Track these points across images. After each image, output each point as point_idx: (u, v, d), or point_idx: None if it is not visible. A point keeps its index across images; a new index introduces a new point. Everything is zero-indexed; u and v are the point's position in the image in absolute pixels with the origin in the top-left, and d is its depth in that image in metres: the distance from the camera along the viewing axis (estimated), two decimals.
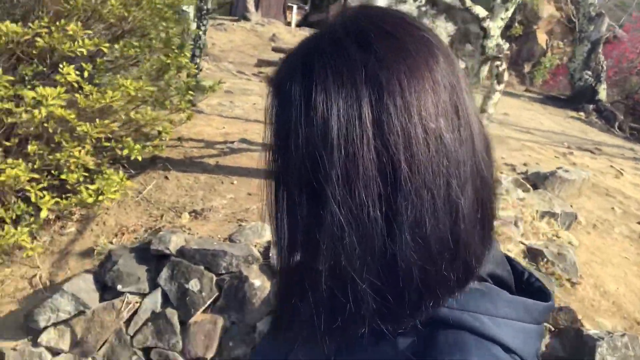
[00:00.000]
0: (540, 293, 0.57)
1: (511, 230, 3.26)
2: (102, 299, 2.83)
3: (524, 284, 0.59)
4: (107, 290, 2.85)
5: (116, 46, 3.46)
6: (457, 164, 0.48)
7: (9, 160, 2.84)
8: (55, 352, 2.78)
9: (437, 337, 0.49)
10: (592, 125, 9.87)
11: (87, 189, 2.87)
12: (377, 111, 0.46)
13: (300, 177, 0.49)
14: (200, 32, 6.29)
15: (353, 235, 0.47)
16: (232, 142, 4.64)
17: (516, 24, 16.15)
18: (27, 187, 2.83)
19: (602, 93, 10.80)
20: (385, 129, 0.46)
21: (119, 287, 2.78)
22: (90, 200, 2.83)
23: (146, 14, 3.63)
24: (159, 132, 3.74)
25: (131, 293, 2.81)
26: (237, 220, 3.31)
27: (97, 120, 3.09)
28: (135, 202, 3.84)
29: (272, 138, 0.53)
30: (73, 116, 2.94)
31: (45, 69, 3.14)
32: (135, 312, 2.78)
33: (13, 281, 3.33)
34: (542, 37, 19.20)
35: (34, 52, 3.01)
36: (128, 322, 2.78)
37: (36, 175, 2.81)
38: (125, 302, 2.78)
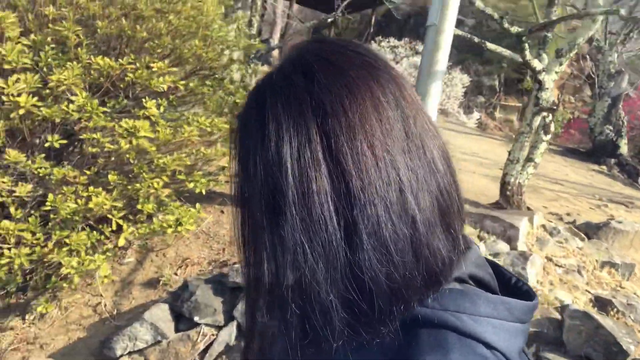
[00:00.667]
0: (527, 295, 0.59)
1: (576, 279, 3.27)
2: (176, 330, 2.83)
3: (512, 287, 0.61)
4: (181, 320, 2.86)
5: (191, 84, 3.60)
6: (407, 173, 0.51)
7: (91, 189, 2.92)
8: None
9: (419, 336, 0.50)
10: (615, 179, 9.95)
11: (159, 219, 2.93)
12: (324, 133, 0.50)
13: (262, 201, 0.52)
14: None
15: (315, 251, 0.49)
16: None
17: (528, 78, 16.50)
18: (109, 215, 2.89)
19: (624, 147, 10.94)
20: (334, 148, 0.50)
21: (196, 318, 2.79)
22: (169, 230, 2.87)
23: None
24: (223, 168, 3.83)
25: (207, 325, 2.82)
26: None
27: (175, 153, 3.19)
28: (194, 235, 3.88)
29: (236, 168, 0.58)
30: (154, 149, 3.04)
31: (128, 101, 3.26)
32: (211, 344, 2.77)
33: (77, 308, 3.34)
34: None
35: (122, 85, 3.14)
36: (202, 353, 2.77)
37: (119, 204, 2.88)
38: (201, 333, 2.78)
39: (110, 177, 3.07)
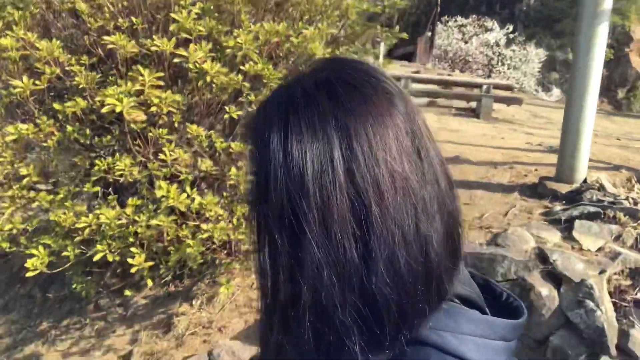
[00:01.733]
0: (516, 311, 0.60)
1: None
2: None
3: (503, 303, 0.62)
4: None
5: (337, 51, 3.40)
6: (423, 202, 0.52)
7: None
8: None
9: (405, 353, 0.52)
10: None
11: None
12: (347, 158, 0.49)
13: (281, 220, 0.51)
14: None
15: (332, 274, 0.50)
16: None
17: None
18: None
19: None
20: (356, 175, 0.49)
21: None
22: None
23: None
24: None
25: None
26: (485, 228, 3.05)
27: None
28: None
29: (252, 183, 0.56)
30: None
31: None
32: None
33: (242, 291, 3.21)
34: (636, 60, 18.30)
35: (281, 53, 2.98)
36: None
37: None
38: None
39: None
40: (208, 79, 2.37)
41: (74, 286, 3.15)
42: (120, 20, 2.63)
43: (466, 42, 15.33)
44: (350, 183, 0.50)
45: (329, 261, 0.50)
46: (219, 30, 2.55)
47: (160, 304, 3.38)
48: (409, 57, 15.41)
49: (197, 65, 2.36)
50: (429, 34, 16.04)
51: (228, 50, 2.51)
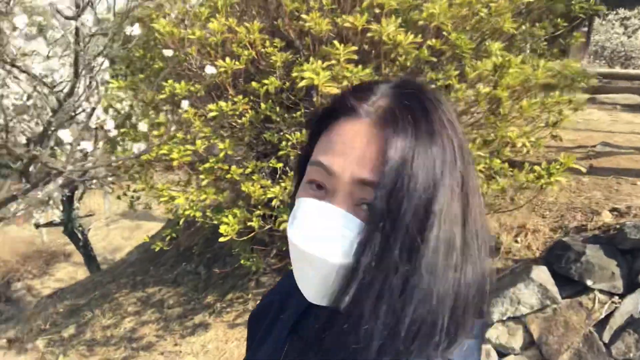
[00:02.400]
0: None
1: None
2: (560, 295, 2.42)
3: None
4: (563, 284, 2.44)
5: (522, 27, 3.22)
6: (477, 230, 0.55)
7: None
8: (502, 351, 2.44)
9: None
10: None
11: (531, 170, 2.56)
12: (462, 170, 0.55)
13: (413, 210, 0.51)
14: None
15: (445, 255, 0.53)
16: (594, 146, 4.10)
17: None
18: None
19: None
20: (466, 183, 0.55)
21: (589, 282, 2.35)
22: (541, 182, 2.49)
23: None
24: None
25: (601, 291, 2.35)
26: None
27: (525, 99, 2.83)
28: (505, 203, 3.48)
29: (386, 163, 0.53)
30: (506, 93, 2.71)
31: None
32: (611, 315, 2.30)
33: None
34: None
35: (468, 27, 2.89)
36: (599, 325, 2.31)
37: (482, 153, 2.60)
38: (596, 300, 2.33)
39: None
40: (400, 50, 2.38)
41: (242, 261, 3.36)
42: (311, 2, 2.78)
43: (629, 37, 13.73)
44: (460, 189, 0.53)
45: (450, 259, 0.52)
46: (410, 3, 2.56)
47: None
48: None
49: (391, 37, 2.38)
50: (585, 29, 14.67)
51: (420, 22, 2.50)
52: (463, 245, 0.54)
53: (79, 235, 6.44)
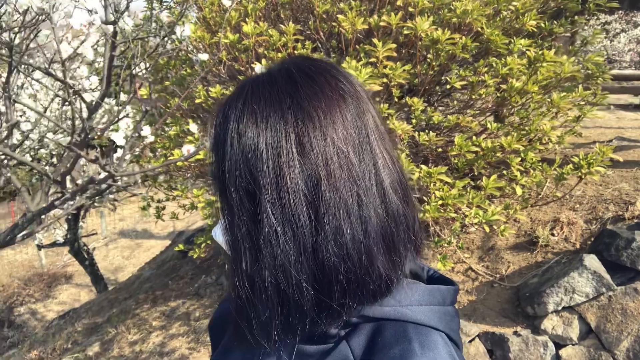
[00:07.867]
0: (442, 281, 0.65)
1: None
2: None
3: (429, 277, 0.68)
4: (617, 271, 2.44)
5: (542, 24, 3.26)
6: (364, 188, 0.56)
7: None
8: (560, 342, 2.42)
9: (383, 331, 0.57)
10: None
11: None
12: (299, 132, 0.55)
13: (238, 185, 0.56)
14: None
15: (287, 236, 0.54)
16: (610, 141, 4.14)
17: None
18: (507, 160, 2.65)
19: None
20: (307, 147, 0.55)
21: None
22: (578, 173, 2.50)
23: None
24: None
25: None
26: None
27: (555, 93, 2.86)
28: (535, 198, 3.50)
29: (213, 151, 0.60)
30: (536, 88, 2.73)
31: None
32: None
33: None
34: None
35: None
36: None
37: (519, 146, 2.61)
38: None
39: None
40: (440, 47, 2.39)
41: None
42: (341, 4, 2.79)
43: (611, 41, 14.09)
44: (301, 154, 0.54)
45: (284, 224, 0.54)
46: (442, 2, 2.58)
47: None
48: None
49: (429, 33, 2.39)
50: (568, 34, 15.00)
51: (454, 20, 2.52)
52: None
53: (85, 255, 6.30)
